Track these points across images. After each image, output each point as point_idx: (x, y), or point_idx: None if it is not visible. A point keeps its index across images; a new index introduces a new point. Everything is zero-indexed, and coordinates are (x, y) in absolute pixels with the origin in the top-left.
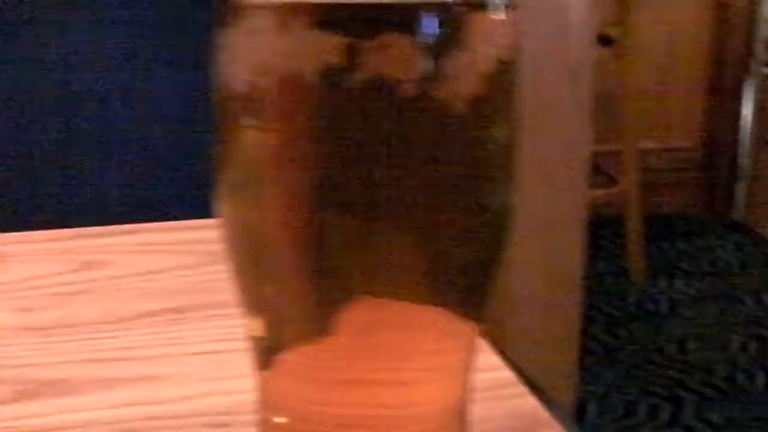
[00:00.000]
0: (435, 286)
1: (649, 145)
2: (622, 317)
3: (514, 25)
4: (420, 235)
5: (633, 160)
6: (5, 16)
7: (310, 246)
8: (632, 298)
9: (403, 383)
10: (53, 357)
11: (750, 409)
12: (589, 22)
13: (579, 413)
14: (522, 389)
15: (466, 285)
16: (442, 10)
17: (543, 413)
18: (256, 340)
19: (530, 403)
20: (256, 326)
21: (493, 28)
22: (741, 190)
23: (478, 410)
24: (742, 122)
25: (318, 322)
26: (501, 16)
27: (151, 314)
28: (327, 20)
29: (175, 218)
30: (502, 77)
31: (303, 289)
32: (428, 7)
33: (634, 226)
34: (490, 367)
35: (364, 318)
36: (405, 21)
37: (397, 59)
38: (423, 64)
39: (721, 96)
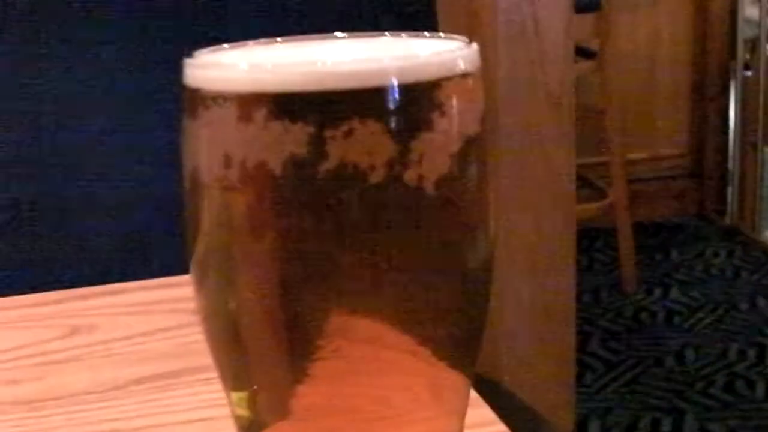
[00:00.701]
0: (420, 347)
1: (637, 155)
2: (619, 331)
3: (480, 97)
4: (400, 308)
5: (621, 171)
6: None
7: (287, 328)
8: (628, 310)
9: None
10: None
11: (751, 418)
12: (567, 44)
13: (580, 431)
14: None
15: (453, 343)
16: (407, 93)
17: None
18: (238, 417)
19: None
20: (237, 403)
21: (459, 105)
22: (731, 194)
23: None
24: (728, 126)
25: (299, 398)
26: (468, 84)
27: (140, 381)
28: (291, 109)
29: (163, 264)
30: (472, 152)
31: (281, 368)
32: (392, 91)
33: (625, 238)
34: (484, 422)
35: (348, 391)
36: (369, 106)
37: (363, 145)
38: (390, 149)
39: (706, 101)
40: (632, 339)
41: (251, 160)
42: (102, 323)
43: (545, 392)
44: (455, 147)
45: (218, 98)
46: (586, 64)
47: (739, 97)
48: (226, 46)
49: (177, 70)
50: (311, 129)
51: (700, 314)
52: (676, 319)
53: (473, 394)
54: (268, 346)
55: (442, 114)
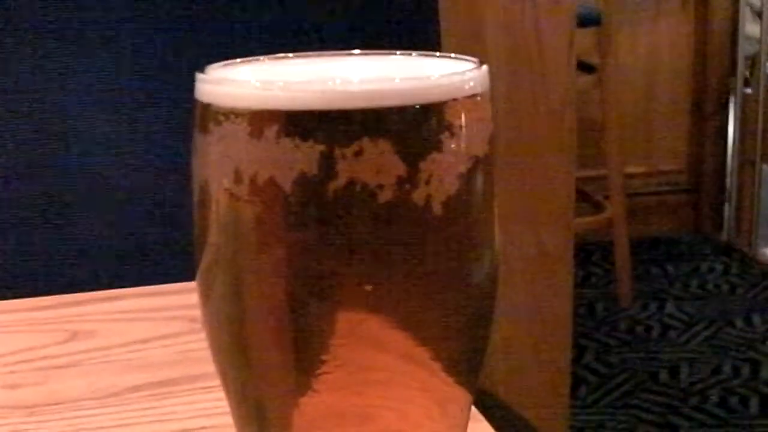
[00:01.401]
0: (425, 363)
1: (635, 169)
2: (614, 344)
3: (488, 118)
4: (406, 324)
5: (619, 185)
6: None
7: (292, 341)
8: (623, 324)
9: None
10: None
11: None
12: (569, 59)
13: None
14: None
15: (458, 358)
16: (417, 114)
17: None
18: (241, 429)
19: None
20: (240, 414)
21: (468, 125)
22: (728, 211)
23: None
24: (726, 142)
25: (303, 410)
26: (477, 105)
27: (138, 388)
28: (301, 127)
29: (164, 272)
30: (480, 173)
31: (286, 380)
32: (402, 111)
33: (622, 252)
34: None
35: (352, 405)
36: (380, 126)
37: (372, 165)
38: (399, 169)
39: (705, 117)
40: (627, 353)
41: (261, 176)
42: (100, 329)
43: (540, 404)
44: (463, 167)
45: (230, 114)
46: (586, 79)
47: (738, 114)
48: (237, 60)
49: (178, 76)
50: (321, 147)
51: (695, 329)
52: (672, 334)
53: (473, 410)
54: (273, 358)
55: (452, 135)
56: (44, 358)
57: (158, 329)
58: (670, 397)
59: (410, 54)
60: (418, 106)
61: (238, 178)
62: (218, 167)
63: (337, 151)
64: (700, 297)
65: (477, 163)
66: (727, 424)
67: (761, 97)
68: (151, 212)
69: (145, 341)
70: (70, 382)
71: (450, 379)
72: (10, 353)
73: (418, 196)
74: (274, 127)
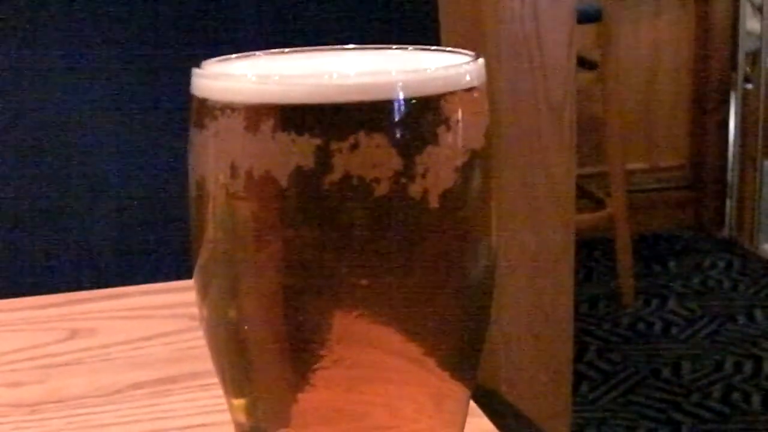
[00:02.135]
0: (421, 358)
1: (636, 165)
2: (616, 341)
3: (485, 111)
4: (403, 319)
5: (620, 181)
6: None
7: (289, 336)
8: (625, 321)
9: None
10: None
11: (747, 430)
12: (570, 55)
13: None
14: None
15: (455, 353)
16: (413, 107)
17: None
18: (238, 424)
19: None
20: (237, 409)
21: (465, 119)
22: (730, 207)
23: None
24: (728, 138)
25: (300, 406)
26: (474, 98)
27: (139, 386)
28: (297, 121)
29: (166, 271)
30: (477, 166)
31: (283, 376)
32: (398, 105)
33: (623, 249)
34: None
35: (349, 400)
36: (376, 119)
37: (368, 158)
38: (395, 162)
39: (706, 113)
40: (629, 350)
41: (257, 171)
42: (102, 327)
43: (542, 401)
44: (460, 161)
45: (226, 109)
46: (586, 75)
47: (739, 110)
48: (233, 56)
49: (179, 74)
50: (317, 141)
51: (697, 326)
52: (673, 331)
53: (471, 404)
54: (270, 354)
55: (448, 128)
56: (46, 356)
57: (159, 327)
58: (672, 394)
59: (406, 48)
60: (414, 100)
61: (234, 173)
62: (214, 162)
63: (333, 145)
64: (702, 293)
65: (473, 156)
66: (729, 420)
67: (762, 93)
68: (153, 211)
69: (146, 339)
70: (71, 379)
71: (447, 375)
72: (11, 351)
73: (414, 189)
74: (270, 121)
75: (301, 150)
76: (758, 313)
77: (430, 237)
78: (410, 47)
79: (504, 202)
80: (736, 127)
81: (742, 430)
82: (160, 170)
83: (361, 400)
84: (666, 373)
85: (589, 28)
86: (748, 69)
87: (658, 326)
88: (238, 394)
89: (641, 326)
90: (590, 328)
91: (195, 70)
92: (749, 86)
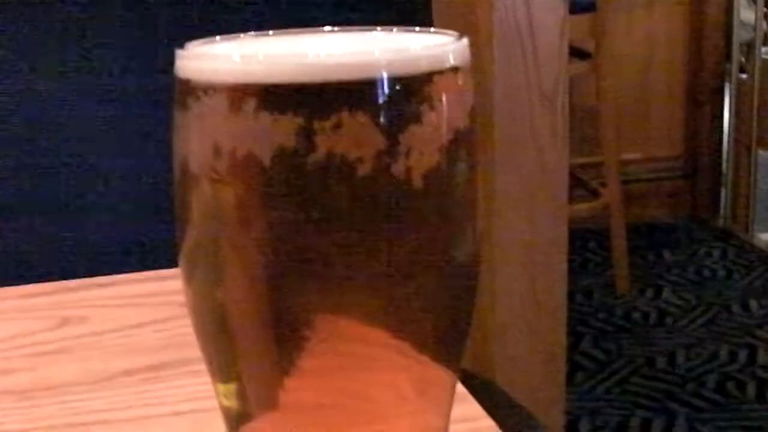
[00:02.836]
0: (406, 342)
1: (631, 155)
2: (611, 331)
3: (469, 91)
4: (387, 301)
5: (615, 171)
6: None
7: (274, 320)
8: (620, 310)
9: None
10: (34, 422)
11: (742, 419)
12: (562, 45)
13: (571, 430)
14: None
15: (439, 338)
16: (396, 86)
17: None
18: (225, 408)
19: None
20: (224, 394)
21: (449, 98)
22: (725, 196)
23: None
24: (722, 128)
25: (285, 390)
26: (457, 78)
27: (130, 373)
28: (280, 100)
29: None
30: (461, 146)
31: (268, 360)
32: (381, 84)
33: (618, 239)
34: (471, 417)
35: (335, 385)
36: (359, 98)
37: (351, 137)
38: (378, 141)
39: (701, 103)
40: (624, 339)
41: (240, 151)
42: (92, 315)
43: (536, 391)
44: (444, 140)
45: (208, 89)
46: (581, 65)
47: (733, 100)
48: (217, 38)
49: (172, 64)
50: (300, 120)
51: (692, 315)
52: (668, 320)
53: (461, 390)
54: (255, 338)
55: (431, 107)
56: (36, 343)
57: (149, 314)
58: (667, 383)
59: (391, 30)
60: (397, 79)
61: (217, 154)
62: (197, 144)
63: (316, 125)
64: (697, 283)
65: (457, 136)
66: (724, 409)
67: (756, 83)
68: (146, 201)
69: (136, 326)
70: (62, 366)
71: (432, 359)
72: (2, 339)
73: (397, 169)
74: (252, 101)
75: (284, 129)
76: (753, 303)
77: (414, 217)
78: (395, 29)
79: (497, 190)
80: (730, 117)
81: (737, 419)
82: (156, 162)
83: (348, 385)
84: (661, 362)
85: (584, 18)
86: (742, 59)
87: (653, 316)
88: (225, 378)
89: (636, 316)
90: (585, 317)
91: (179, 52)
92: (743, 76)
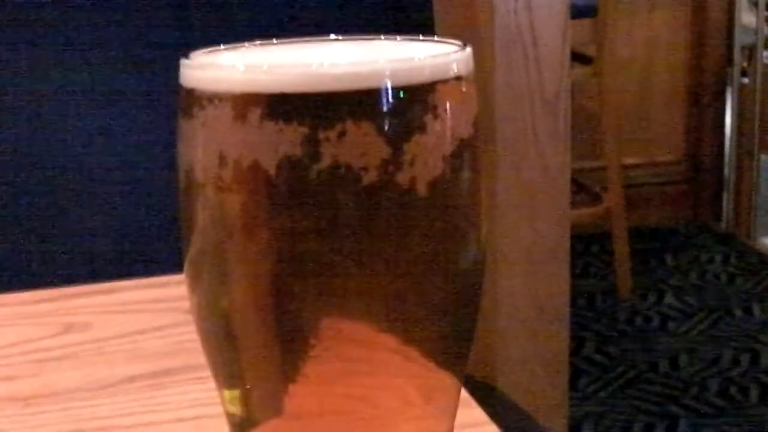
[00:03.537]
0: (411, 348)
1: (633, 160)
2: (613, 335)
3: (473, 100)
4: (392, 308)
5: (617, 176)
6: None
7: (279, 327)
8: (622, 315)
9: None
10: (37, 429)
11: (744, 424)
12: (564, 49)
13: None
14: None
15: (444, 344)
16: (400, 96)
17: None
18: (230, 414)
19: None
20: (229, 401)
21: (453, 107)
22: (727, 200)
23: None
24: (724, 132)
25: (290, 396)
26: (461, 87)
27: (133, 379)
28: (285, 110)
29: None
30: (465, 155)
31: (273, 367)
32: (386, 93)
33: (620, 243)
34: (475, 423)
35: (339, 391)
36: (363, 108)
37: (356, 147)
38: (383, 150)
39: (703, 107)
40: (626, 344)
41: (245, 160)
42: (96, 321)
43: (538, 395)
44: (448, 149)
45: (213, 98)
46: (582, 70)
47: (735, 104)
48: (221, 47)
49: (175, 70)
50: (305, 129)
51: (695, 320)
52: (671, 325)
53: (465, 395)
54: (260, 344)
55: (436, 116)
56: (39, 350)
57: (153, 321)
58: (669, 388)
59: (395, 38)
60: (401, 88)
61: (222, 163)
62: (203, 152)
63: (321, 134)
64: (699, 287)
65: (462, 145)
66: (726, 413)
67: (758, 87)
68: (149, 205)
69: (140, 333)
70: (65, 373)
71: (437, 365)
72: (6, 345)
73: (402, 178)
74: (257, 111)
75: (288, 139)
76: (756, 307)
77: (418, 225)
78: (399, 37)
79: (498, 195)
80: (732, 121)
81: (739, 424)
82: (157, 166)
83: (353, 391)
84: (663, 367)
85: (585, 23)
86: (744, 63)
87: (655, 320)
88: (230, 385)
89: (638, 320)
90: (587, 322)
91: (183, 61)
92: (745, 80)
